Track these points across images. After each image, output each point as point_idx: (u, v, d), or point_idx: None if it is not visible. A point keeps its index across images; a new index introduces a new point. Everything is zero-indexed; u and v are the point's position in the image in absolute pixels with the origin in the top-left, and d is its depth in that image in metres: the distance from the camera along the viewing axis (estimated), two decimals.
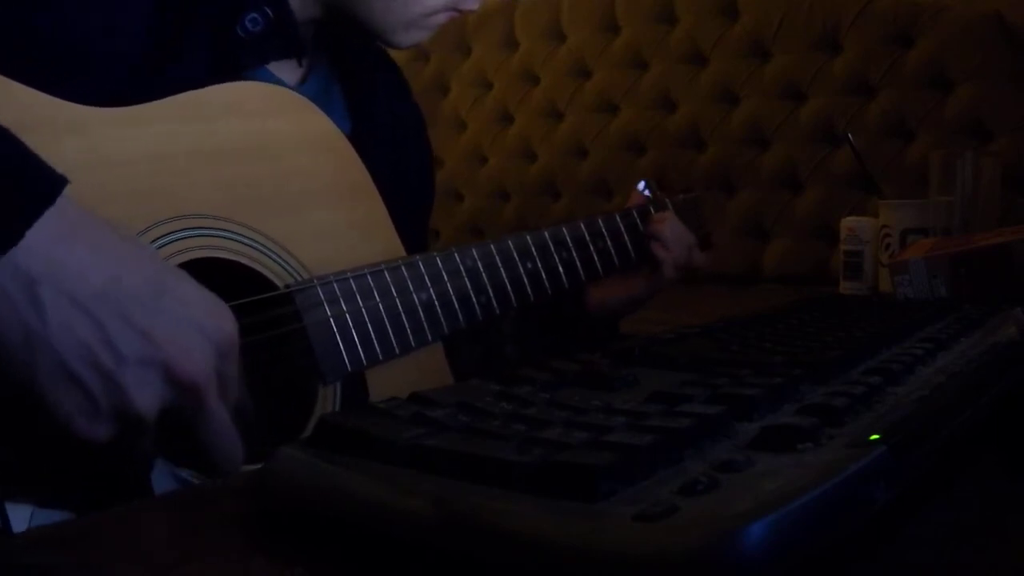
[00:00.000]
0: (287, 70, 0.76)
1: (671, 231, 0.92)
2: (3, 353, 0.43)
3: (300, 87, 0.77)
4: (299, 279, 0.66)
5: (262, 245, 0.64)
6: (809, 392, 0.39)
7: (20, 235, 0.43)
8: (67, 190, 0.45)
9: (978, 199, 1.16)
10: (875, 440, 0.30)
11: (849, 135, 1.44)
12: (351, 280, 0.67)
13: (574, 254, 0.84)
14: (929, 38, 1.71)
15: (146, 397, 0.46)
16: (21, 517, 0.49)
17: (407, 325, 0.70)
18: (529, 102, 2.24)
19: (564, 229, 0.84)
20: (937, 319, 0.58)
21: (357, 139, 0.75)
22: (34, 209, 0.43)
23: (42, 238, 0.43)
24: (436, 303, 0.72)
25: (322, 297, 0.65)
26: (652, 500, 0.26)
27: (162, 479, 0.55)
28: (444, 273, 0.73)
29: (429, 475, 0.30)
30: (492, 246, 0.77)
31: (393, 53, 0.89)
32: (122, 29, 0.63)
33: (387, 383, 0.68)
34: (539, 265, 0.80)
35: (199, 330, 0.48)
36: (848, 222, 1.29)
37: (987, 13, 1.66)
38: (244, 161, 0.65)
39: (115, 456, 0.48)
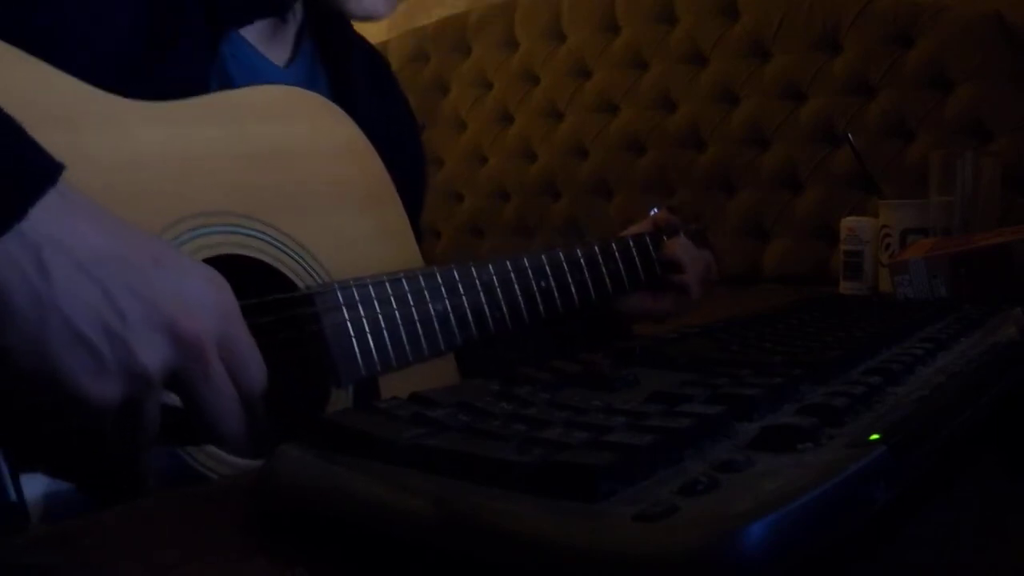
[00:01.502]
0: (275, 51, 0.77)
1: (686, 253, 0.96)
2: (13, 317, 0.44)
3: (287, 68, 0.78)
4: (319, 281, 0.66)
5: (285, 246, 0.65)
6: (809, 392, 0.39)
7: (24, 211, 0.44)
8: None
9: (978, 199, 1.16)
10: (875, 440, 0.30)
11: (849, 135, 1.44)
12: (370, 286, 0.68)
13: (586, 275, 0.86)
14: (929, 38, 1.72)
15: (151, 354, 0.47)
16: (37, 488, 0.50)
17: (421, 334, 0.70)
18: (529, 102, 2.24)
19: (578, 251, 0.87)
20: (937, 319, 0.58)
21: None
22: (37, 187, 0.45)
23: (45, 214, 0.45)
24: (451, 315, 0.73)
25: (341, 300, 0.66)
26: (652, 500, 0.26)
27: (159, 462, 0.55)
28: (461, 286, 0.74)
29: (429, 475, 0.30)
30: (508, 262, 0.79)
31: (392, 52, 0.90)
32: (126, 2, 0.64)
33: (399, 389, 0.69)
34: (552, 284, 0.83)
35: (198, 295, 0.50)
36: (848, 222, 1.29)
37: (987, 13, 1.66)
38: (271, 163, 0.66)
39: (122, 419, 0.48)
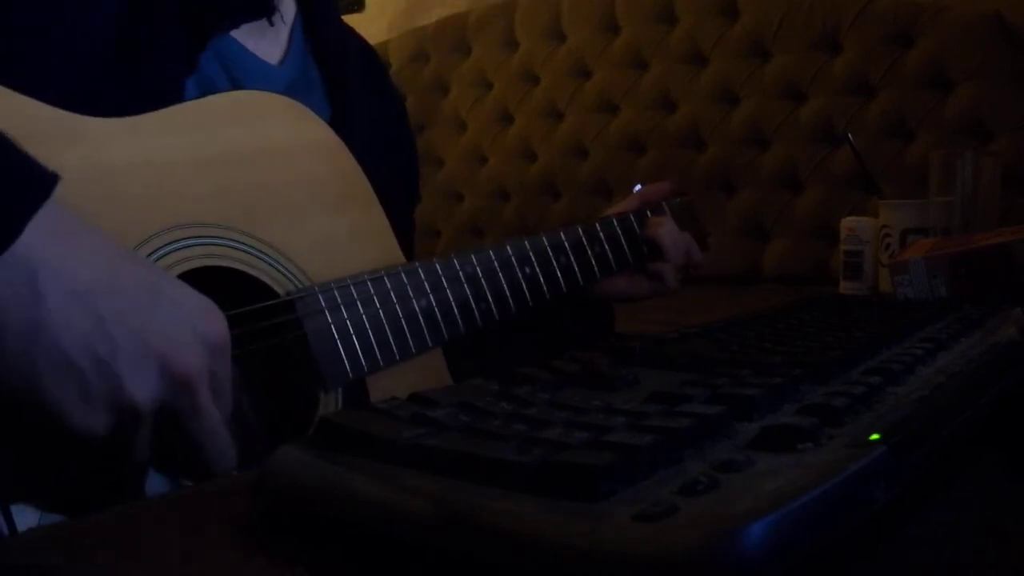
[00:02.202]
0: (268, 50, 0.77)
1: (668, 236, 0.93)
2: (3, 339, 0.44)
3: (280, 66, 0.77)
4: (300, 286, 0.66)
5: (262, 253, 0.65)
6: (809, 392, 0.39)
7: (20, 230, 0.43)
8: (68, 198, 0.46)
9: (978, 199, 1.16)
10: (875, 440, 0.30)
11: (849, 135, 1.44)
12: (351, 287, 0.67)
13: (572, 259, 0.85)
14: (929, 38, 1.72)
15: (141, 388, 0.47)
16: (29, 520, 0.49)
17: (407, 331, 0.70)
18: (529, 102, 2.24)
19: (562, 234, 0.84)
20: (937, 319, 0.58)
21: (337, 122, 0.75)
22: (31, 203, 0.44)
23: (39, 234, 0.44)
24: (436, 310, 0.72)
25: (323, 304, 0.65)
26: (652, 500, 0.26)
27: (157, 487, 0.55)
28: (444, 280, 0.73)
29: (429, 475, 0.30)
30: (491, 252, 0.78)
31: (392, 52, 0.90)
32: (102, 2, 0.63)
33: (388, 389, 0.68)
34: (537, 271, 0.81)
35: (192, 330, 0.49)
36: (848, 222, 1.29)
37: (987, 13, 1.66)
38: (244, 169, 0.66)
39: (112, 452, 0.48)
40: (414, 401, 0.38)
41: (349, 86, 0.82)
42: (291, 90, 0.77)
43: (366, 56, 0.90)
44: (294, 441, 0.35)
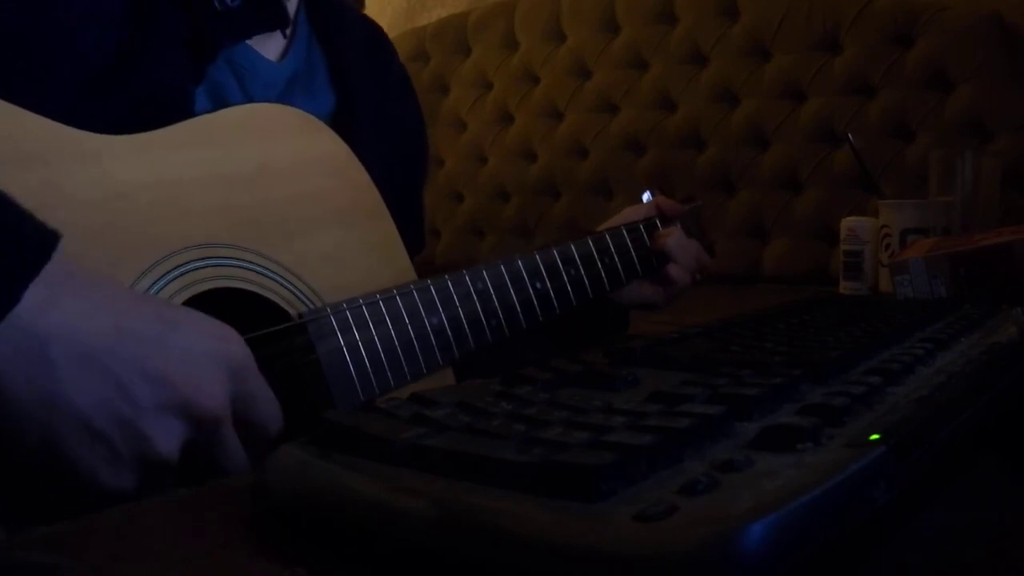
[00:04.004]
0: (269, 45, 0.76)
1: (678, 246, 0.94)
2: (20, 416, 0.42)
3: (282, 62, 0.77)
4: (310, 306, 0.65)
5: (273, 272, 0.64)
6: (809, 392, 0.39)
7: (18, 297, 0.42)
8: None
9: (978, 199, 1.16)
10: (875, 440, 0.30)
11: (849, 135, 1.44)
12: (363, 307, 0.67)
13: (582, 272, 0.84)
14: (929, 38, 1.72)
15: (168, 441, 0.46)
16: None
17: (419, 350, 0.69)
18: (529, 102, 2.24)
19: (572, 247, 0.84)
20: (937, 319, 0.58)
21: (342, 111, 0.75)
22: (32, 268, 0.43)
23: (42, 295, 0.43)
24: (447, 327, 0.72)
25: (335, 326, 0.65)
26: (652, 500, 0.26)
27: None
28: (455, 296, 0.73)
29: (429, 475, 0.30)
30: (502, 266, 0.77)
31: None
32: (102, 8, 0.63)
33: None
34: (548, 285, 0.80)
35: (211, 359, 0.48)
36: (848, 222, 1.29)
37: (987, 13, 1.66)
38: (254, 187, 0.65)
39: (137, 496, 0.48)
40: (414, 401, 0.38)
41: (352, 70, 0.81)
42: (293, 83, 0.77)
43: (370, 35, 0.89)
44: (294, 441, 0.35)
